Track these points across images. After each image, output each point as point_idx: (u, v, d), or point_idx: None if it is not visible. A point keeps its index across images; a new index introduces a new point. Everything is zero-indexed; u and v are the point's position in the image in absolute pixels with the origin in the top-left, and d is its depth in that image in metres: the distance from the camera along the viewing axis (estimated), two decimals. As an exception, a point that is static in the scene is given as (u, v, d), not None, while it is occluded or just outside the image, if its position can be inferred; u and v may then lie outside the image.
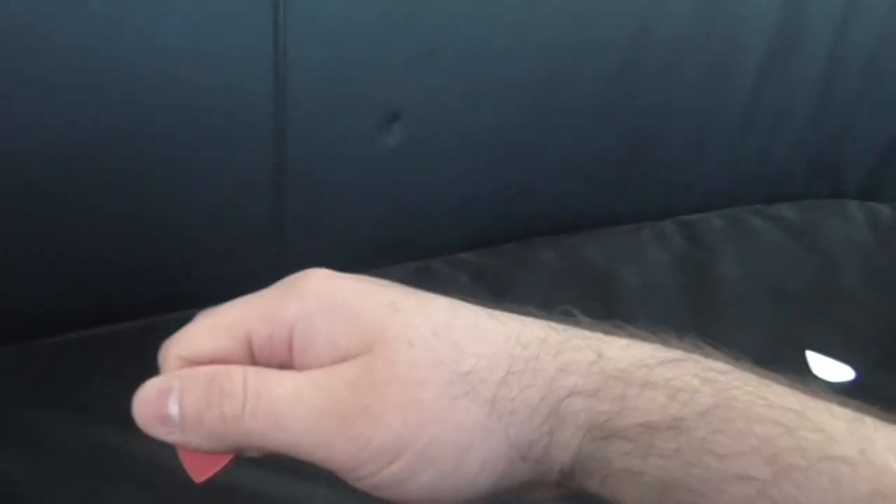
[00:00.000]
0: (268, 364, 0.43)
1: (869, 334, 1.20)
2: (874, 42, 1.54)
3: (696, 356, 0.41)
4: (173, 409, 0.42)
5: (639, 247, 1.38)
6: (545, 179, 1.33)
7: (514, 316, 0.43)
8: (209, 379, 0.42)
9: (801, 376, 0.42)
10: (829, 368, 1.08)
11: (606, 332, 0.43)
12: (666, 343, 0.42)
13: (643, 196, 1.46)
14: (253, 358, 0.43)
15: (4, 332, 0.99)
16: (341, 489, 0.83)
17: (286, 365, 0.43)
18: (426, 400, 0.40)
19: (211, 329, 0.43)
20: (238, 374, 0.41)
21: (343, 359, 0.41)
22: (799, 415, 0.38)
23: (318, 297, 0.42)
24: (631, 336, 0.43)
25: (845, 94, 1.56)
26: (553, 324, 0.43)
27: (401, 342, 0.40)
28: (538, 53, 1.25)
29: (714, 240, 1.42)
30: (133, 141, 0.99)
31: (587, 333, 0.43)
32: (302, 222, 1.12)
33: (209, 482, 0.44)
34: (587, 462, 0.40)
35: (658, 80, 1.37)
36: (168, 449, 0.85)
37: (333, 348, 0.41)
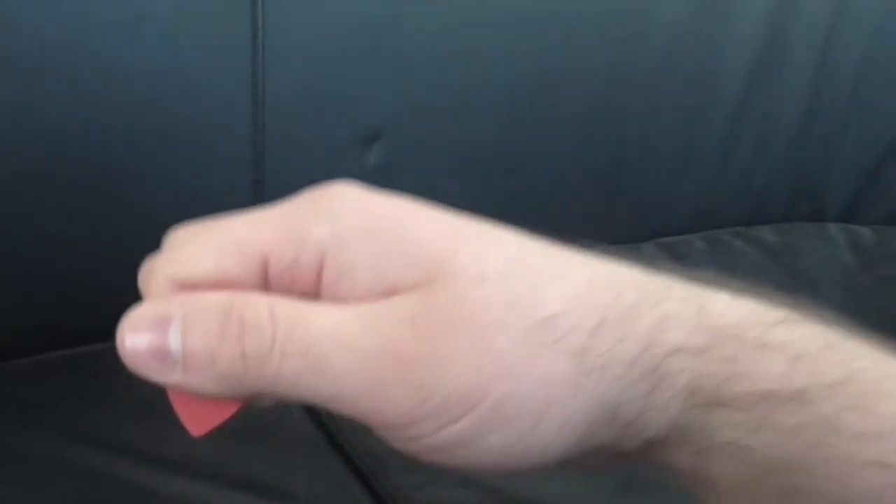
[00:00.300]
0: (285, 295, 0.35)
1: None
2: (857, 65, 1.55)
3: (811, 318, 0.35)
4: (175, 342, 0.33)
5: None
6: (526, 201, 1.33)
7: (595, 257, 0.36)
8: (225, 307, 0.33)
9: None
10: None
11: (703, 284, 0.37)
12: (771, 300, 0.36)
13: (625, 217, 1.46)
14: (266, 286, 0.35)
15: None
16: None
17: (308, 298, 0.35)
18: (503, 347, 0.33)
19: (216, 247, 0.35)
20: (262, 303, 0.33)
21: (390, 293, 0.34)
22: None
23: (360, 215, 0.35)
24: (730, 289, 0.36)
25: (828, 117, 1.56)
26: (645, 270, 0.36)
27: (469, 276, 0.33)
28: (519, 75, 1.25)
29: (695, 262, 1.42)
30: (110, 161, 0.98)
31: (684, 282, 0.36)
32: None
33: (209, 435, 0.36)
34: (684, 431, 0.34)
35: (640, 101, 1.37)
36: (150, 472, 0.85)
37: (378, 279, 0.34)
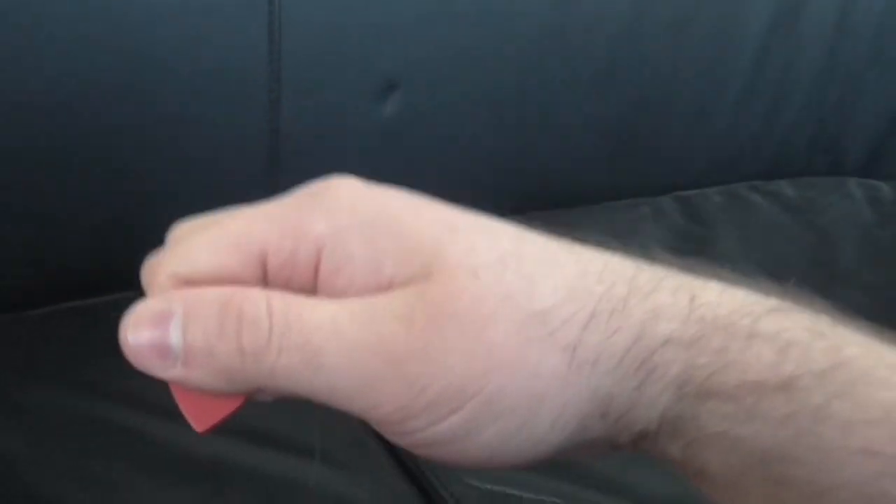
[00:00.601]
0: (283, 290, 0.35)
1: (868, 313, 1.19)
2: (879, 17, 1.53)
3: (800, 306, 0.35)
4: (175, 337, 0.34)
5: (636, 223, 1.37)
6: (543, 152, 1.32)
7: (589, 249, 0.37)
8: (223, 302, 0.34)
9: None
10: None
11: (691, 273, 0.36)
12: (761, 289, 0.36)
13: (642, 169, 1.45)
14: (265, 281, 0.36)
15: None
16: (335, 465, 0.82)
17: (306, 292, 0.35)
18: (496, 341, 0.33)
19: (215, 243, 0.35)
20: (260, 298, 0.34)
21: (386, 287, 0.34)
22: None
23: (356, 210, 0.35)
24: (720, 279, 0.36)
25: (848, 69, 1.55)
26: (638, 261, 0.36)
27: (464, 270, 0.34)
28: (538, 24, 1.23)
29: (713, 217, 1.41)
30: (126, 106, 0.98)
31: (676, 273, 0.36)
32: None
33: (213, 430, 0.37)
34: (674, 423, 0.34)
35: (659, 51, 1.36)
36: (164, 424, 0.84)
37: (375, 273, 0.34)
